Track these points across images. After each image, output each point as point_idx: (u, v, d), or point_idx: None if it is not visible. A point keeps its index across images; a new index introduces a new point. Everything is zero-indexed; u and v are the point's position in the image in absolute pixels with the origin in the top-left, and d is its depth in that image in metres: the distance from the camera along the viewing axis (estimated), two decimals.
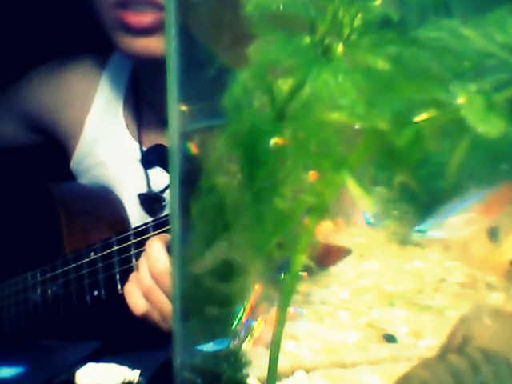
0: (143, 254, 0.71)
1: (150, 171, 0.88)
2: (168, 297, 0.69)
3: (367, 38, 0.31)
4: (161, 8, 0.73)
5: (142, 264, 0.70)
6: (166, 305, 0.69)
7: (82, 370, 0.56)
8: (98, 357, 0.59)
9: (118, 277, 0.77)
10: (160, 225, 0.75)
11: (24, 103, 0.99)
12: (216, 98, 0.34)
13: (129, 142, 0.90)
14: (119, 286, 0.76)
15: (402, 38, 0.30)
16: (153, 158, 0.88)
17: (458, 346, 0.35)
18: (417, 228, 0.36)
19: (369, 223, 0.36)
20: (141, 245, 0.75)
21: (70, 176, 0.96)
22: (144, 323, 0.71)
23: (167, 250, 0.69)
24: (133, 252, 0.76)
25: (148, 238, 0.74)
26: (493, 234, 0.35)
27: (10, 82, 1.00)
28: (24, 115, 0.99)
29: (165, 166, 0.87)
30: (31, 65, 0.99)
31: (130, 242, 0.77)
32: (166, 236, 0.72)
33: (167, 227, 0.73)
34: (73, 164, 0.96)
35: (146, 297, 0.70)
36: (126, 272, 0.74)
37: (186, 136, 0.38)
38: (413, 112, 0.30)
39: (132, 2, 0.73)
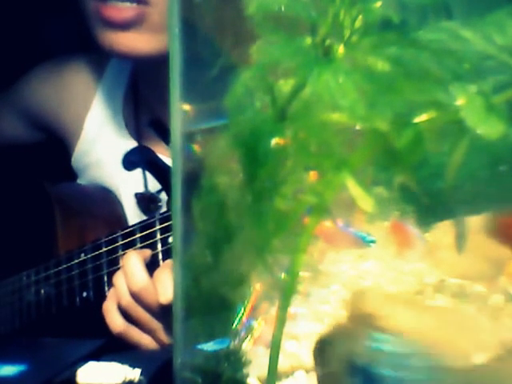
0: (119, 270, 0.70)
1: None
2: (150, 312, 0.68)
3: (368, 39, 0.31)
4: (141, 2, 0.72)
5: (119, 280, 0.69)
6: (148, 321, 0.68)
7: (83, 368, 0.56)
8: (99, 355, 0.59)
9: (105, 278, 0.77)
10: (147, 226, 0.74)
11: (26, 101, 0.99)
12: (218, 98, 0.35)
13: (128, 140, 0.90)
14: (106, 288, 0.76)
15: (402, 40, 0.30)
16: (134, 159, 0.88)
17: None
18: None
19: (369, 241, 0.35)
20: (128, 246, 0.74)
21: (71, 173, 0.96)
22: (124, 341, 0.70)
23: (146, 266, 0.69)
24: (120, 253, 0.76)
25: (135, 239, 0.74)
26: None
27: (12, 80, 1.00)
28: (26, 113, 1.00)
29: (147, 167, 0.86)
30: (32, 63, 0.99)
31: (117, 244, 0.76)
32: (144, 252, 0.71)
33: (154, 228, 0.73)
34: (73, 161, 0.96)
35: (126, 314, 0.69)
36: (113, 274, 0.73)
37: (188, 136, 0.38)
38: (413, 113, 0.30)
39: None
